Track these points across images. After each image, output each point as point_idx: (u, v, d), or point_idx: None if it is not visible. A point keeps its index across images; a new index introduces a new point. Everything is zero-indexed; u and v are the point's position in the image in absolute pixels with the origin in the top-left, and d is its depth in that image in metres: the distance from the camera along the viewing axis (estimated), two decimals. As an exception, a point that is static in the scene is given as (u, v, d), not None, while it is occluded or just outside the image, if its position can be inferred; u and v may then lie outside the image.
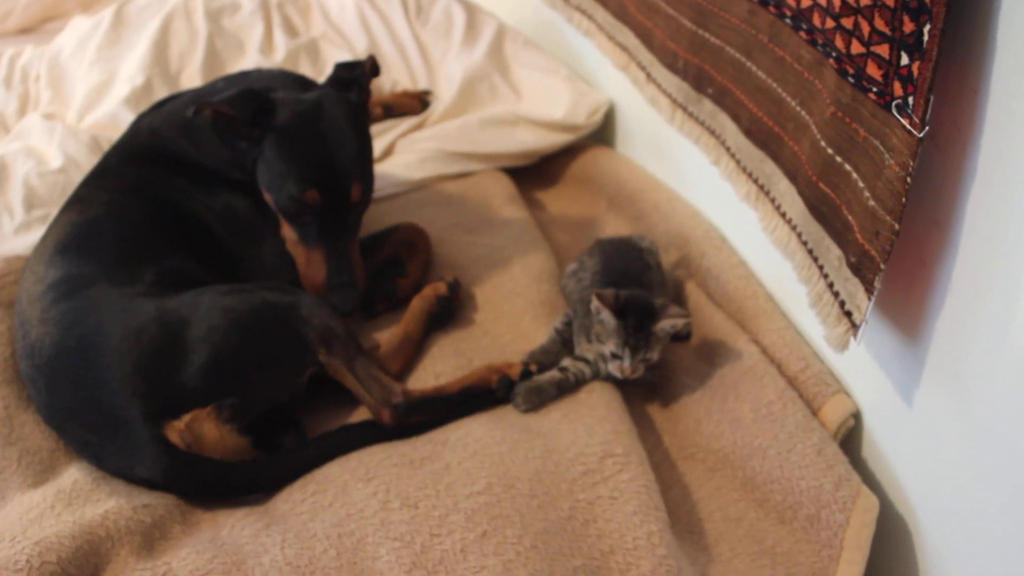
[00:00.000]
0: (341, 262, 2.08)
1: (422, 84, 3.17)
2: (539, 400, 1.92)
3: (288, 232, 2.12)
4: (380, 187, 2.59)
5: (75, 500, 1.74)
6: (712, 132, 2.11)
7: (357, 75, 2.18)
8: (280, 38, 3.31)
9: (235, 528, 1.69)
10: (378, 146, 2.81)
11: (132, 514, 1.69)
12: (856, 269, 1.52)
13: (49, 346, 1.86)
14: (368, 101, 2.22)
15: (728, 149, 2.04)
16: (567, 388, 1.95)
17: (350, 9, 3.40)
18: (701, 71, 2.12)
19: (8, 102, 3.14)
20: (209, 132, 2.11)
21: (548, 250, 2.45)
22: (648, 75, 2.45)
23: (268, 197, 2.10)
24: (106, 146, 2.46)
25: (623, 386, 1.98)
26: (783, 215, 1.81)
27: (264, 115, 2.04)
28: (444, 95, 3.07)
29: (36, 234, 2.18)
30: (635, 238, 2.23)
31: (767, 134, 1.86)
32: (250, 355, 1.88)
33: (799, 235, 1.75)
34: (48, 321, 1.88)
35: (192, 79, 3.10)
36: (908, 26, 1.29)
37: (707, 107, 2.12)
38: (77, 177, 2.41)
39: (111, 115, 2.93)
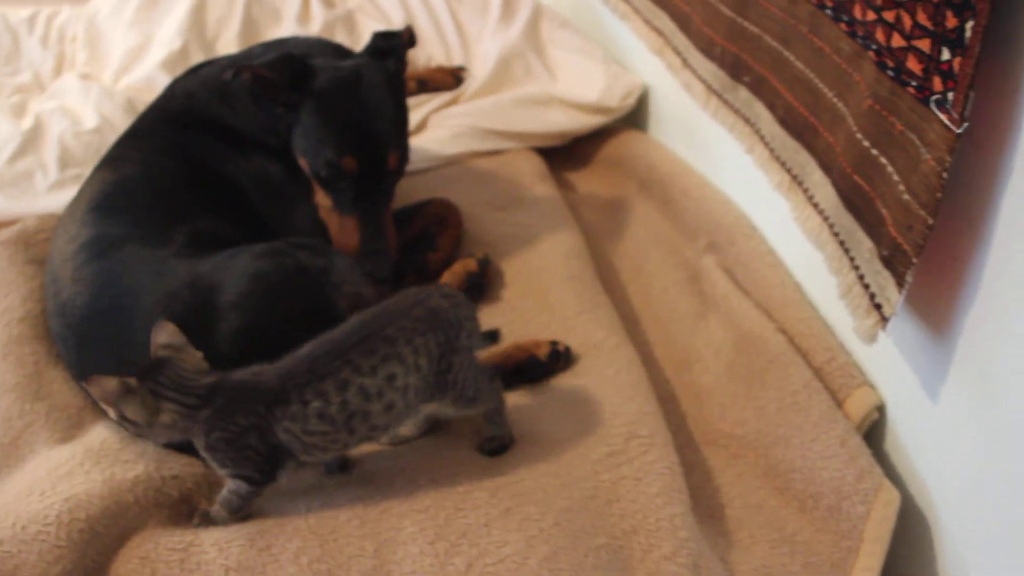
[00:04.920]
0: (375, 229, 2.09)
1: (457, 60, 3.18)
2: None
3: (322, 199, 2.13)
4: (412, 161, 2.59)
5: (103, 459, 1.74)
6: (747, 120, 2.11)
7: (394, 45, 2.19)
8: (317, 8, 3.33)
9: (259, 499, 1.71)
10: (411, 120, 2.79)
11: (161, 485, 1.71)
12: (888, 262, 1.52)
13: (81, 306, 1.87)
14: (405, 71, 2.23)
15: (762, 138, 2.04)
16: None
17: (388, -18, 3.41)
18: (738, 59, 2.12)
19: (44, 61, 3.17)
20: (245, 97, 2.13)
21: (577, 229, 2.46)
22: (684, 60, 2.45)
23: (304, 163, 2.11)
24: (141, 108, 2.47)
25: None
26: (815, 206, 1.81)
27: (303, 80, 2.05)
28: (479, 72, 3.08)
29: (69, 193, 2.19)
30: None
31: (802, 124, 1.86)
32: (279, 323, 1.86)
33: (831, 226, 1.75)
34: (80, 281, 1.90)
35: (228, 46, 3.11)
36: (951, 21, 1.29)
37: (743, 95, 2.12)
38: (111, 137, 2.42)
39: (147, 78, 2.96)
